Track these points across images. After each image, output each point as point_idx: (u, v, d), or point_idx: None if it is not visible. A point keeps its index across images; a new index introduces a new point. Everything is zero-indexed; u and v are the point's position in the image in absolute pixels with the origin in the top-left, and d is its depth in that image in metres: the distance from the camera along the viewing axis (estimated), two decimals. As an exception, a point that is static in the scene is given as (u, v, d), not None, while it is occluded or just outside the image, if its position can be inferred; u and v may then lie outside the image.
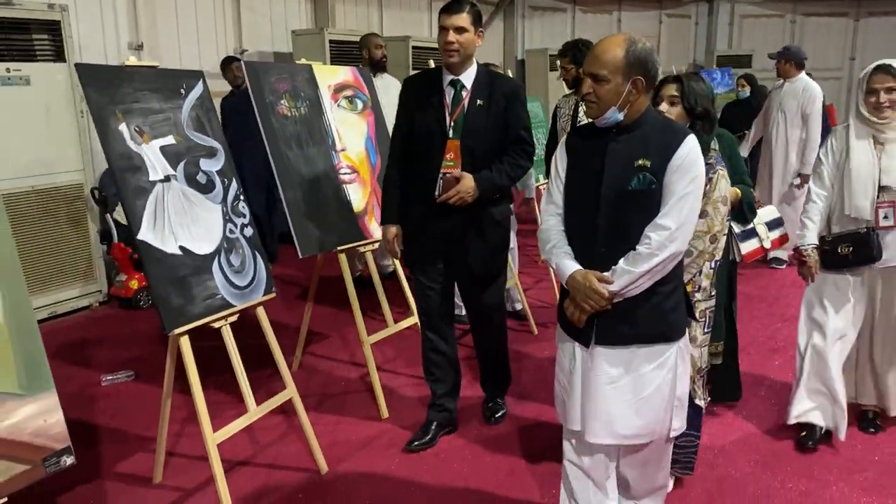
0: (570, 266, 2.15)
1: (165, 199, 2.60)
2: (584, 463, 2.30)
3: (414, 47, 8.10)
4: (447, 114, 2.92)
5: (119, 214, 5.28)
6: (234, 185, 2.91)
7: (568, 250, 2.19)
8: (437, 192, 2.90)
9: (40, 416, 2.14)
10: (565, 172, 2.21)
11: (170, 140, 2.69)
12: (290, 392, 2.96)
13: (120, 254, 5.23)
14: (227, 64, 6.41)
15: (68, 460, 2.19)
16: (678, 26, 13.76)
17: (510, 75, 4.94)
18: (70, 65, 4.99)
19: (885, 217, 2.87)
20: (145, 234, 2.49)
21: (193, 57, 6.87)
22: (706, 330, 2.64)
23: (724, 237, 2.59)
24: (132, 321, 5.02)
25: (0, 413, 2.06)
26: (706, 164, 2.45)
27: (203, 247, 2.68)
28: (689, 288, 2.49)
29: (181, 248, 2.61)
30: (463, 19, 2.86)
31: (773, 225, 3.25)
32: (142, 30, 6.44)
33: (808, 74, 6.16)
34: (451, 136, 2.90)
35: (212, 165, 2.83)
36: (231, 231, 2.83)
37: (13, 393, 2.09)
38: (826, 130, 7.10)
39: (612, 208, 2.09)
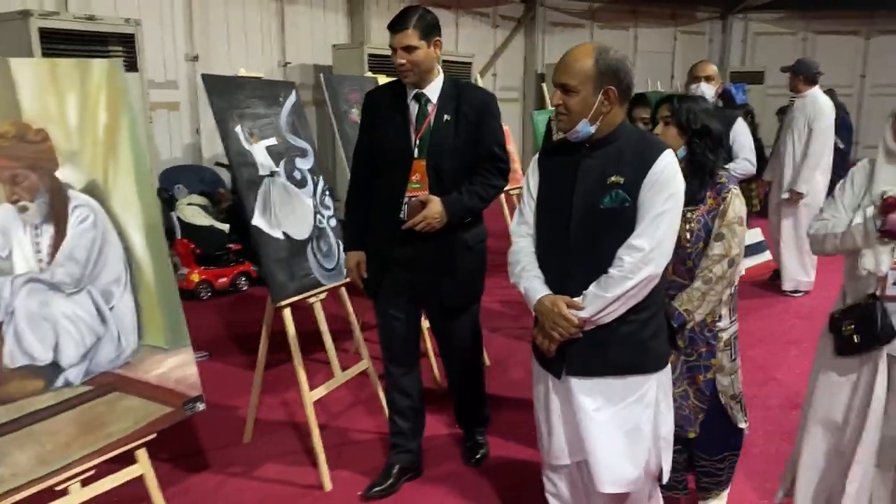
0: (539, 291, 2.04)
1: (271, 191, 3.03)
2: (563, 495, 2.27)
3: (443, 60, 8.60)
4: (412, 131, 2.65)
5: (181, 212, 5.73)
6: (322, 181, 3.34)
7: (538, 274, 2.09)
8: (402, 217, 2.65)
9: (180, 368, 2.55)
10: (537, 190, 2.13)
11: (273, 141, 3.12)
12: (367, 363, 3.37)
13: (182, 249, 5.67)
14: None
15: (201, 406, 2.59)
16: (692, 43, 14.18)
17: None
18: (141, 74, 5.46)
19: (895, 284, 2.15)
20: (258, 220, 2.93)
21: (242, 68, 7.32)
22: (733, 357, 2.53)
23: (741, 260, 2.43)
24: (195, 311, 5.41)
25: (152, 363, 2.47)
26: (717, 183, 2.39)
27: (300, 233, 3.11)
28: (708, 319, 2.41)
29: (284, 233, 3.04)
30: (409, 36, 2.55)
31: (752, 250, 2.76)
32: (196, 43, 6.92)
33: (829, 92, 5.91)
34: (416, 155, 2.64)
35: (304, 164, 3.26)
36: (320, 221, 3.26)
37: (161, 347, 2.51)
38: (841, 151, 6.83)
39: (583, 227, 1.98)
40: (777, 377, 4.13)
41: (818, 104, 5.56)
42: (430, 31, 2.60)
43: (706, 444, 2.59)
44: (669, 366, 2.15)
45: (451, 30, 10.37)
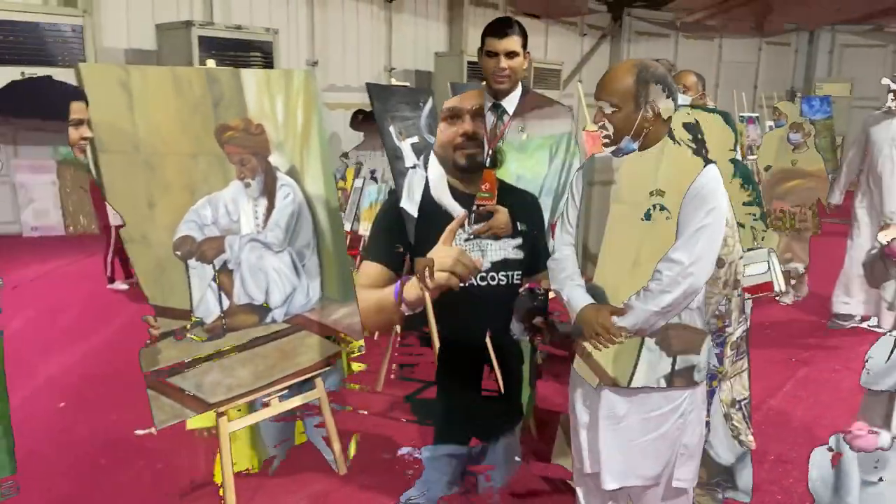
0: (582, 300, 2.08)
1: (413, 180, 3.66)
2: None
3: (535, 68, 9.19)
4: (485, 141, 2.73)
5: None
6: (450, 174, 3.96)
7: (581, 283, 2.12)
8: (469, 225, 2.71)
9: (348, 317, 3.19)
10: (580, 199, 2.17)
11: (415, 139, 3.75)
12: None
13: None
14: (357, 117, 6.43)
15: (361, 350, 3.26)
16: (777, 53, 14.31)
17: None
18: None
19: None
20: (405, 203, 3.55)
21: (354, 72, 8.08)
22: (736, 359, 2.48)
23: (738, 260, 2.42)
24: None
25: (329, 310, 3.13)
26: None
27: (435, 216, 3.73)
28: (719, 324, 2.37)
29: (423, 215, 3.66)
30: (514, 42, 2.66)
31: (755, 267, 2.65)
32: (317, 50, 7.70)
33: None
34: (487, 165, 2.70)
35: (439, 159, 3.88)
36: (450, 207, 3.87)
37: (336, 299, 3.16)
38: None
39: (623, 238, 2.02)
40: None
41: None
42: (526, 41, 2.75)
43: None
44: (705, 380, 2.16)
45: (540, 38, 10.92)
